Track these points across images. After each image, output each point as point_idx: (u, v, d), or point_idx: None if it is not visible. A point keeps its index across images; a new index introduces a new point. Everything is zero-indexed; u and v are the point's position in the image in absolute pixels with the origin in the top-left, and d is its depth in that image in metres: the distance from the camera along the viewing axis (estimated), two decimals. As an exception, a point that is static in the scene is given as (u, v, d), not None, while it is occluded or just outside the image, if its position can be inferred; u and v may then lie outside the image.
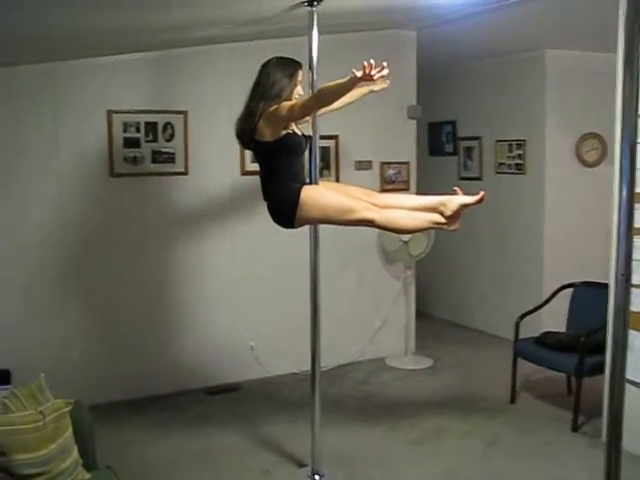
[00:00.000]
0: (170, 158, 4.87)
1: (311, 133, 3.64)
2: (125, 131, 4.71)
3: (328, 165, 5.50)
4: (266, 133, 3.30)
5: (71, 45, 4.04)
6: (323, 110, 3.65)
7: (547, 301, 4.90)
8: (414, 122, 5.84)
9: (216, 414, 4.68)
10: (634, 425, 3.19)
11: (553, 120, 5.78)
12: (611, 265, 3.73)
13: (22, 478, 2.58)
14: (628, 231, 1.98)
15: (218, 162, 4.99)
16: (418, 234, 5.24)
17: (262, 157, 3.43)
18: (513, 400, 4.73)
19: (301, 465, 3.89)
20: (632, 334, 3.58)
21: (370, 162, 5.68)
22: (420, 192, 5.45)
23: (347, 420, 4.53)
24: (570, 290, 4.88)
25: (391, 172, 5.78)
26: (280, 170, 3.38)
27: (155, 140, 4.81)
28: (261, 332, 5.30)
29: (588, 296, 4.65)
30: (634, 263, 2.29)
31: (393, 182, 5.78)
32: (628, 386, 3.63)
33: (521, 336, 4.72)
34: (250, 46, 4.70)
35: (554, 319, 4.97)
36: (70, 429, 2.83)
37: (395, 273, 5.89)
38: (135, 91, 4.73)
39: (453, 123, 6.82)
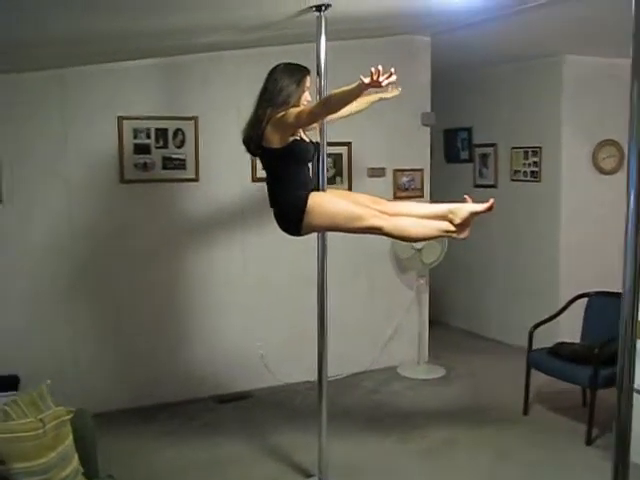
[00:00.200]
0: (181, 164, 4.86)
1: (319, 140, 3.59)
2: (135, 137, 4.71)
3: (340, 172, 5.46)
4: (273, 140, 3.26)
5: (79, 51, 4.04)
6: (332, 117, 3.61)
7: (561, 311, 4.82)
8: (428, 129, 5.78)
9: (225, 423, 4.65)
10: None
11: (569, 127, 5.70)
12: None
13: (21, 487, 2.56)
14: (636, 242, 1.91)
15: (229, 168, 4.97)
16: (431, 242, 5.17)
17: (269, 164, 3.39)
18: (526, 412, 4.65)
19: (308, 475, 3.83)
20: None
21: (383, 169, 5.63)
22: (435, 199, 5.39)
23: (356, 430, 4.47)
24: (585, 300, 4.78)
25: (405, 179, 5.72)
26: (287, 177, 3.35)
27: (165, 146, 4.80)
28: (272, 340, 5.26)
29: (603, 306, 4.56)
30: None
31: (406, 189, 5.72)
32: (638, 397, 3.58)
33: (538, 346, 4.64)
34: (260, 52, 4.67)
35: (571, 329, 4.88)
36: (71, 437, 2.81)
37: (408, 281, 5.83)
38: (145, 97, 4.73)
39: (469, 130, 6.75)
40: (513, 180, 6.23)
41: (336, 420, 4.51)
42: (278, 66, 3.38)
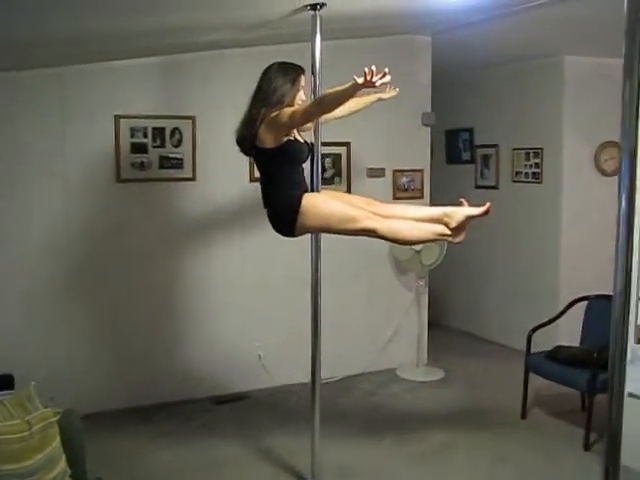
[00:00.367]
0: (178, 164, 4.83)
1: (313, 140, 3.56)
2: (132, 136, 4.68)
3: (340, 172, 5.43)
4: (267, 140, 3.23)
5: (78, 50, 4.03)
6: (328, 117, 3.58)
7: (560, 315, 4.77)
8: (428, 129, 5.74)
9: (222, 424, 4.62)
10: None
11: (571, 128, 5.65)
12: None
13: (7, 489, 2.54)
14: (627, 246, 1.88)
15: (227, 168, 4.93)
16: (430, 244, 5.13)
17: (263, 164, 3.37)
18: (524, 415, 4.60)
19: (301, 478, 3.80)
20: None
21: (383, 169, 5.59)
22: (436, 200, 5.35)
23: (352, 432, 4.44)
24: (585, 303, 4.74)
25: (404, 180, 5.68)
26: (281, 177, 3.32)
27: (163, 146, 4.78)
28: (270, 341, 5.23)
29: (602, 309, 4.49)
30: None
31: (406, 190, 5.69)
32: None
33: (538, 349, 4.59)
34: (259, 51, 4.62)
35: (571, 332, 4.83)
36: (58, 439, 2.77)
37: (407, 283, 5.79)
38: (143, 96, 4.71)
39: (470, 130, 6.70)
40: (514, 181, 6.19)
41: (332, 422, 4.49)
42: (272, 65, 3.35)
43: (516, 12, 4.26)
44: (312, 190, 3.52)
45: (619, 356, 1.93)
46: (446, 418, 4.69)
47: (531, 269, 6.09)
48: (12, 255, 4.48)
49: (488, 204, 3.17)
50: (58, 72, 4.43)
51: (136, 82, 4.67)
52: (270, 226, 3.39)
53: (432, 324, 6.20)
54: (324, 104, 3.07)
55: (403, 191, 5.67)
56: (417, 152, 5.72)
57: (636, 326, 3.62)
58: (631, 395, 3.59)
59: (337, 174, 5.41)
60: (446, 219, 3.25)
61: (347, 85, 2.81)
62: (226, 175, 4.96)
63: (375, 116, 5.27)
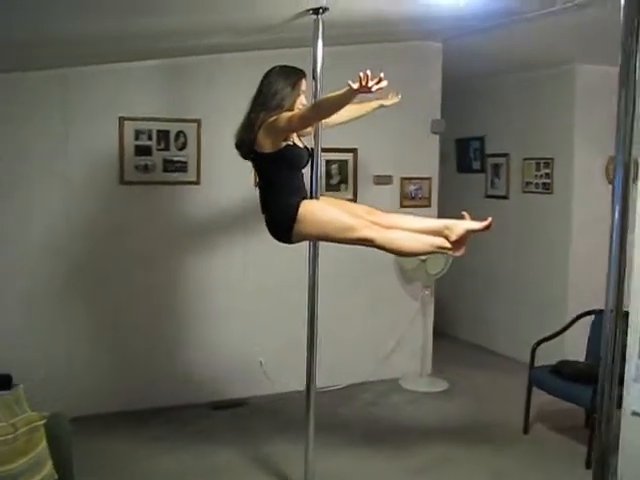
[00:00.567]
0: (182, 167, 4.80)
1: (314, 146, 3.51)
2: (137, 139, 4.66)
3: (346, 179, 5.37)
4: (265, 144, 3.19)
5: (79, 51, 4.01)
6: (329, 122, 3.53)
7: (566, 328, 4.68)
8: (437, 137, 5.67)
9: (219, 430, 4.57)
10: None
11: (582, 138, 5.55)
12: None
13: (-12, 492, 2.51)
14: (620, 260, 1.81)
15: (231, 172, 4.87)
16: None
17: (261, 169, 3.33)
18: (526, 430, 4.51)
19: (294, 488, 3.75)
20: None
21: (390, 177, 5.53)
22: (446, 209, 5.29)
23: (350, 443, 4.36)
24: (592, 317, 4.64)
25: (412, 188, 5.62)
26: (279, 183, 3.28)
27: (167, 148, 4.75)
28: (271, 347, 5.18)
29: (608, 324, 4.41)
30: None
31: (413, 198, 5.62)
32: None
33: (544, 363, 4.51)
34: (264, 55, 4.57)
35: (579, 346, 4.73)
36: (44, 443, 2.75)
37: (413, 292, 5.72)
38: (148, 98, 4.68)
39: (481, 139, 6.62)
40: (525, 192, 6.10)
41: (331, 432, 4.43)
42: (273, 69, 3.32)
43: (528, 19, 4.19)
44: (312, 196, 3.46)
45: (609, 374, 1.86)
46: (447, 431, 4.61)
47: (540, 280, 5.99)
48: (12, 255, 4.46)
49: (490, 219, 3.10)
50: (60, 73, 4.41)
51: (140, 84, 4.65)
52: (271, 232, 3.36)
53: (438, 334, 6.12)
54: (321, 109, 3.03)
55: (410, 199, 5.60)
56: (425, 160, 5.66)
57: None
58: (635, 414, 3.49)
59: (343, 181, 5.35)
60: (446, 232, 3.19)
61: (344, 90, 2.77)
62: (231, 179, 4.91)
63: (383, 122, 5.22)
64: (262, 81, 3.30)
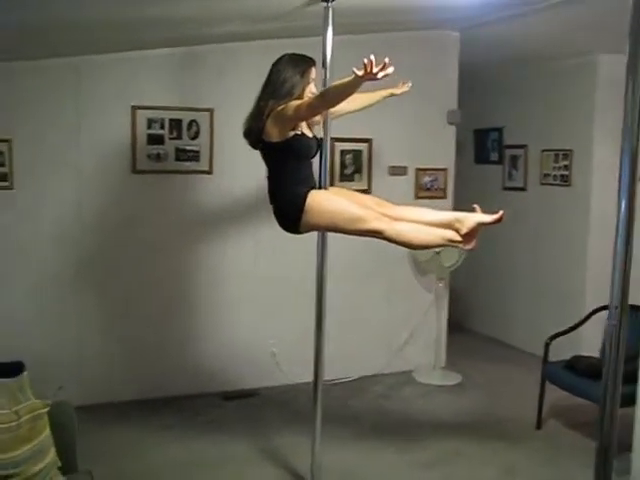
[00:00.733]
0: (194, 156, 4.78)
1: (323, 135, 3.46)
2: (149, 127, 4.65)
3: (360, 169, 5.32)
4: (273, 133, 3.16)
5: (93, 38, 4.00)
6: (340, 111, 3.49)
7: (581, 323, 4.60)
8: (453, 127, 5.58)
9: (229, 420, 4.56)
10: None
11: (602, 130, 5.43)
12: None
13: (-9, 479, 2.51)
14: (625, 255, 1.74)
15: (243, 162, 4.83)
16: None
17: (269, 158, 3.30)
18: (539, 426, 4.45)
19: (300, 480, 3.73)
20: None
21: (405, 168, 5.47)
22: (463, 201, 5.21)
23: (359, 436, 4.33)
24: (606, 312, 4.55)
25: (427, 179, 5.55)
26: (287, 173, 3.24)
27: (179, 137, 4.73)
28: (283, 338, 5.16)
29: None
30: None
31: (429, 189, 5.55)
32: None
33: (559, 357, 4.44)
34: (277, 44, 4.51)
35: (595, 341, 4.65)
36: (47, 431, 2.74)
37: (427, 284, 5.66)
38: (160, 87, 4.67)
39: (500, 130, 6.52)
40: (543, 184, 6.00)
41: (340, 424, 4.41)
42: (283, 57, 3.28)
43: (548, 8, 4.09)
44: (320, 187, 3.42)
45: (613, 371, 1.81)
46: (458, 425, 4.56)
47: (557, 273, 5.90)
48: (24, 245, 4.48)
49: (501, 212, 3.04)
50: (73, 62, 4.41)
51: (152, 73, 4.63)
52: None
53: (453, 326, 6.06)
54: (327, 97, 2.98)
55: (426, 190, 5.54)
56: (441, 150, 5.59)
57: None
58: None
59: (357, 171, 5.30)
60: (457, 225, 3.13)
61: (349, 78, 2.72)
62: (243, 169, 4.88)
63: (398, 112, 5.17)
64: (271, 69, 3.27)
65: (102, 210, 4.64)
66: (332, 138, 4.92)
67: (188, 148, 4.76)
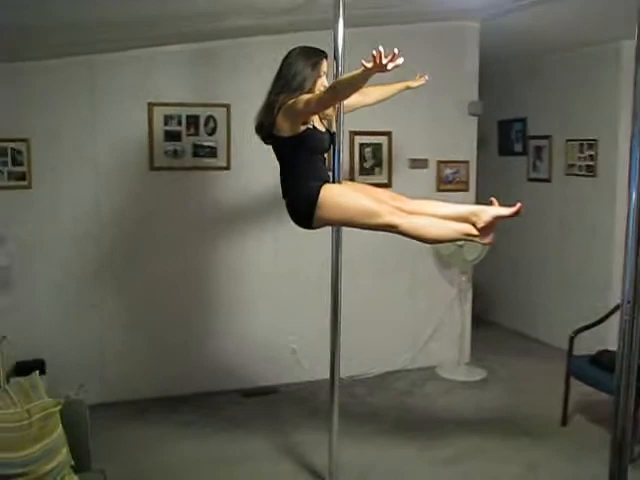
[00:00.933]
0: (212, 152, 4.76)
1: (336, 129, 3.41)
2: (166, 124, 4.64)
3: (380, 163, 5.25)
4: (284, 127, 3.12)
5: (107, 36, 4.00)
6: (354, 104, 3.45)
7: (605, 317, 4.49)
8: (475, 119, 5.49)
9: (248, 417, 4.55)
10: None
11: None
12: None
13: (1, 478, 2.51)
14: (637, 249, 1.67)
15: (261, 157, 4.74)
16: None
17: (280, 153, 3.25)
18: (564, 422, 4.36)
19: (319, 478, 3.68)
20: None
21: (426, 160, 5.38)
22: (486, 193, 5.12)
23: (380, 433, 4.28)
24: None
25: (449, 171, 5.46)
26: (299, 167, 3.19)
27: (197, 134, 4.71)
28: (304, 334, 5.12)
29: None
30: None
31: (450, 182, 5.47)
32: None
33: (585, 352, 4.35)
34: (291, 38, 4.46)
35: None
36: (59, 429, 2.74)
37: (450, 278, 5.58)
38: (177, 83, 4.65)
39: (524, 121, 6.40)
40: (568, 174, 5.87)
41: (361, 421, 4.38)
42: (294, 50, 3.24)
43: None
44: (334, 181, 3.37)
45: (626, 365, 1.74)
46: (482, 421, 4.48)
47: (583, 266, 5.77)
48: (44, 241, 4.51)
49: (519, 205, 2.95)
50: (88, 60, 4.42)
51: (167, 70, 4.62)
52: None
53: (478, 321, 5.98)
54: (337, 91, 2.92)
55: (447, 183, 5.45)
56: (463, 143, 5.49)
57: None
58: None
59: (377, 164, 5.24)
60: (474, 218, 3.06)
61: (359, 70, 2.66)
62: (261, 164, 4.80)
63: (418, 105, 5.10)
64: (282, 62, 3.23)
65: (121, 208, 4.65)
66: (351, 131, 4.97)
67: (205, 144, 4.74)
